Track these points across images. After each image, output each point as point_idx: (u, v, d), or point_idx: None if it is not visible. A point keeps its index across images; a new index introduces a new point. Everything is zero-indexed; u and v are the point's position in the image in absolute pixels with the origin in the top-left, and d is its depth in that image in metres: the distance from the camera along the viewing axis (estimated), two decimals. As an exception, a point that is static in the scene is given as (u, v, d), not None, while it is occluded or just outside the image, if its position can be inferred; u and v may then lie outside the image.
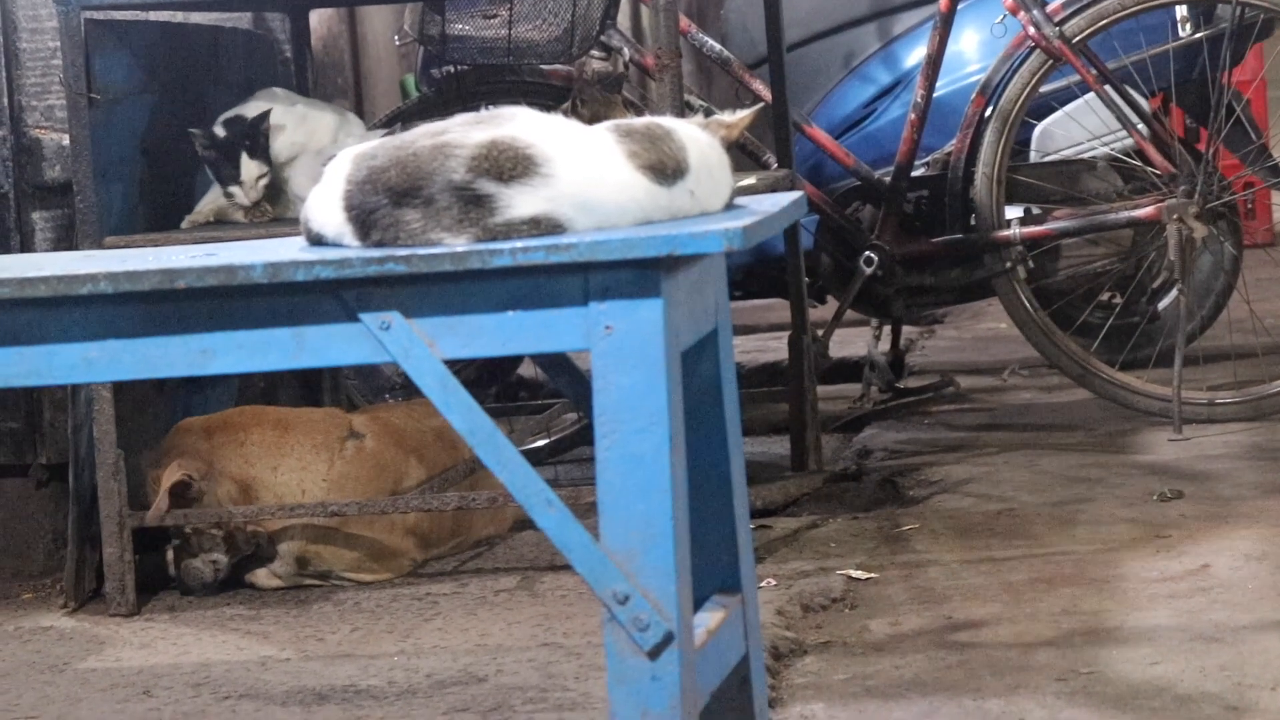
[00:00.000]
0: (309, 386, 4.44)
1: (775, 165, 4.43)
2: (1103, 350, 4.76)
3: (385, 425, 3.86)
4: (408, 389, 4.74)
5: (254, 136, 3.82)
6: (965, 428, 4.78)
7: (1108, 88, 4.57)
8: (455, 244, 2.22)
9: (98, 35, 3.69)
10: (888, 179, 4.76)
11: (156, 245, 3.53)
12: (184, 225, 3.87)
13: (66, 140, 3.78)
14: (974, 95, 4.68)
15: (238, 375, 4.05)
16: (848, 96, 5.18)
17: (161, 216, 3.88)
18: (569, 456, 4.63)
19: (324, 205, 2.33)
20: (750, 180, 3.87)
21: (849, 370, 5.28)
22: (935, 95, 4.71)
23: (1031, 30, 4.58)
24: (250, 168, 3.82)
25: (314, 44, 5.20)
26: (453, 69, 4.52)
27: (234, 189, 3.83)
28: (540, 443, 4.58)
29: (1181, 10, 4.78)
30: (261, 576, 3.76)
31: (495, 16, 4.01)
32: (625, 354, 2.16)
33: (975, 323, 6.38)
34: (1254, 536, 3.57)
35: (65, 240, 3.90)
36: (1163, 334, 4.95)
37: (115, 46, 3.76)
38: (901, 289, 4.78)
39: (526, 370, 5.31)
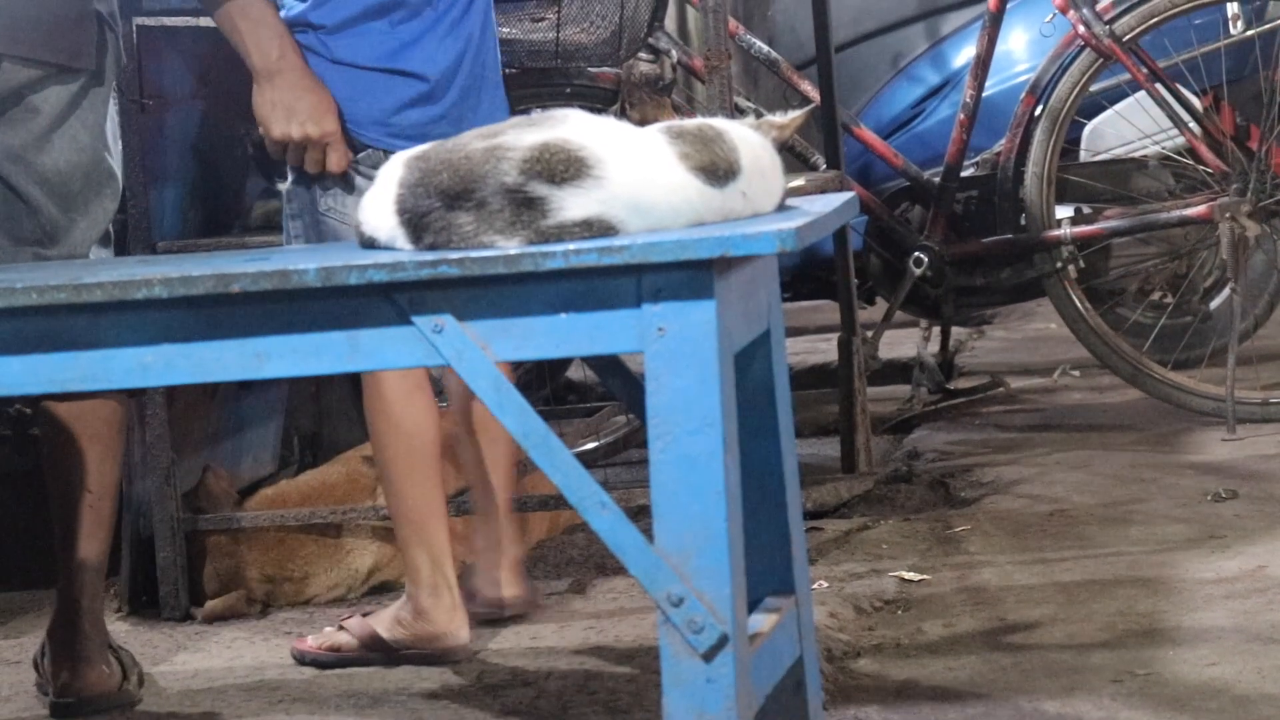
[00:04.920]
0: (358, 390, 4.43)
1: (824, 166, 4.41)
2: (1155, 350, 4.73)
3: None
4: (457, 392, 4.74)
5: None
6: (1016, 429, 4.76)
7: (1159, 86, 4.54)
8: (508, 246, 2.22)
9: (149, 41, 3.70)
10: (937, 179, 4.74)
11: (209, 250, 3.55)
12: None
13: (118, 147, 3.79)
14: (1024, 94, 4.66)
15: (289, 378, 4.06)
16: (896, 97, 5.16)
17: (213, 221, 3.89)
18: (619, 459, 4.62)
19: (376, 208, 2.33)
20: (799, 181, 3.85)
21: (898, 372, 5.26)
22: (984, 95, 4.69)
23: (1081, 29, 4.55)
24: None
25: (362, 48, 5.20)
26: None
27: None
28: (590, 445, 4.58)
29: (1233, 7, 4.75)
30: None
31: (543, 20, 4.00)
32: (678, 355, 2.16)
33: (1025, 323, 6.34)
34: (1310, 537, 3.55)
35: (118, 246, 3.90)
36: (1215, 333, 4.91)
37: (167, 53, 3.77)
38: (951, 290, 4.76)
39: (575, 373, 5.31)
